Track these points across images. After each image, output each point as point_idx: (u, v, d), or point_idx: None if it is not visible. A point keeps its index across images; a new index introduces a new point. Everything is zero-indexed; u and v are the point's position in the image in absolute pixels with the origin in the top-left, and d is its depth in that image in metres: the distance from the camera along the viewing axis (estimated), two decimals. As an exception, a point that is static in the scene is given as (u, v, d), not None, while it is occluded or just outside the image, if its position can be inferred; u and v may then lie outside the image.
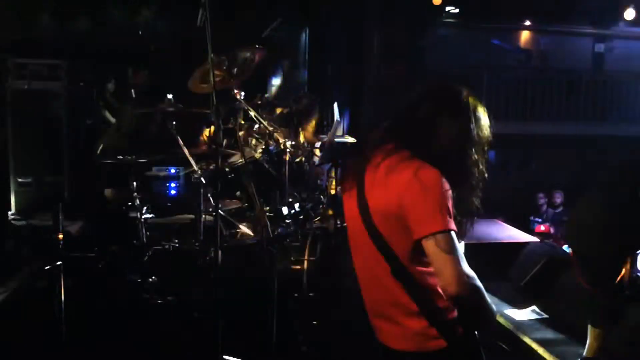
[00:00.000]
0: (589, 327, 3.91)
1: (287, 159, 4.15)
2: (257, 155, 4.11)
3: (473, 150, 2.03)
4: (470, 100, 2.06)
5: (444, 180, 1.91)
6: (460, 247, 1.93)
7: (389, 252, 2.00)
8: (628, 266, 3.79)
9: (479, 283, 1.91)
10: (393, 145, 2.04)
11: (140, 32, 7.12)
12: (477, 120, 2.05)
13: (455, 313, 2.00)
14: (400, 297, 2.02)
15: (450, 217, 1.88)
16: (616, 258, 3.73)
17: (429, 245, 1.90)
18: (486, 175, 2.09)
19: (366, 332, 4.42)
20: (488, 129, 2.09)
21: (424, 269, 1.97)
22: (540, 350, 4.23)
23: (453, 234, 1.87)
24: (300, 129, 5.19)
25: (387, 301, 2.07)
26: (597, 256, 3.78)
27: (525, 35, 11.86)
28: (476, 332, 2.04)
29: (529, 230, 8.87)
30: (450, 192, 1.91)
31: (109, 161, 5.16)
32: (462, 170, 2.01)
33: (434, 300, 1.99)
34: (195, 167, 4.12)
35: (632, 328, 4.08)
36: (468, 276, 1.87)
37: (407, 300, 2.01)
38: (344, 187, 2.24)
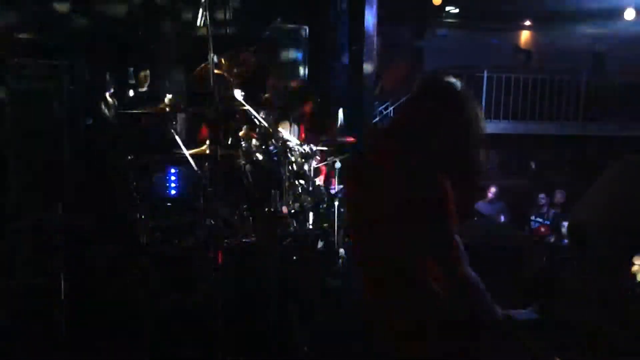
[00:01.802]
0: (592, 326, 3.91)
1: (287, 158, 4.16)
2: None
3: (474, 143, 2.01)
4: (467, 95, 2.04)
5: (447, 182, 1.90)
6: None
7: (392, 253, 1.99)
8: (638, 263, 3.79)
9: (481, 286, 1.91)
10: (396, 146, 2.03)
11: (140, 32, 7.11)
12: (475, 115, 2.03)
13: (460, 316, 1.99)
14: (404, 298, 2.02)
15: (454, 222, 1.88)
16: (626, 256, 3.74)
17: (432, 248, 1.90)
18: (484, 170, 2.09)
19: (367, 332, 4.41)
20: (484, 124, 2.07)
21: (426, 271, 1.97)
22: (541, 350, 4.22)
23: (457, 237, 1.87)
24: (298, 123, 5.19)
25: (391, 302, 2.07)
26: (606, 254, 3.78)
27: (525, 35, 11.86)
28: (482, 334, 2.03)
29: (530, 230, 8.87)
30: (452, 194, 1.90)
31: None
32: (463, 167, 2.00)
33: (437, 302, 1.98)
34: (195, 167, 4.12)
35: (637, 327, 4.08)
36: (470, 279, 1.87)
37: (410, 302, 2.01)
38: (347, 188, 2.24)
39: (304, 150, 4.58)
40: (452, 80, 2.05)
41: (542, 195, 9.30)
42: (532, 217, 9.09)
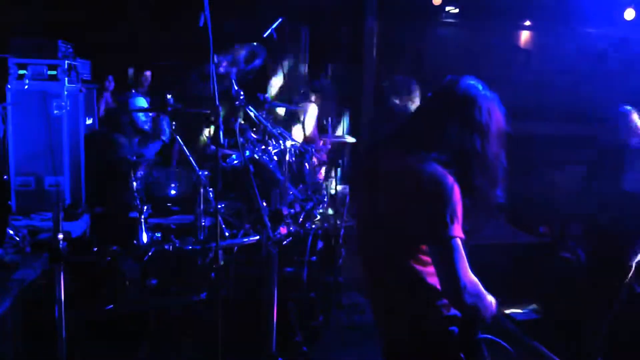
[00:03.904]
0: (589, 326, 3.92)
1: (287, 158, 4.16)
2: None
3: (492, 143, 2.00)
4: (486, 94, 2.03)
5: (455, 185, 1.89)
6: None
7: (395, 248, 2.00)
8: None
9: (478, 289, 1.91)
10: (406, 146, 2.03)
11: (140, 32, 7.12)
12: (490, 112, 2.02)
13: (453, 311, 2.01)
14: (403, 291, 2.03)
15: (458, 224, 1.87)
16: (627, 258, 3.76)
17: (433, 250, 1.90)
18: (506, 167, 2.07)
19: (367, 331, 4.42)
20: (502, 121, 2.06)
21: (424, 267, 1.98)
22: (541, 350, 4.23)
23: (458, 240, 1.86)
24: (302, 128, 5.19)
25: (391, 295, 2.08)
26: (610, 256, 3.80)
27: (525, 35, 11.84)
28: (478, 330, 2.04)
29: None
30: (460, 197, 1.89)
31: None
32: (483, 163, 1.99)
33: (434, 296, 1.99)
34: (196, 168, 4.13)
35: (631, 329, 4.09)
36: (468, 284, 1.86)
37: (409, 295, 2.02)
38: (354, 188, 2.25)
39: (303, 149, 4.58)
40: (472, 82, 2.04)
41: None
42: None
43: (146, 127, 5.43)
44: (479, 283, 1.91)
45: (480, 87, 2.04)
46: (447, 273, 1.86)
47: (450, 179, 1.89)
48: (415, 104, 4.31)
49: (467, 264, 1.87)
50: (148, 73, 6.51)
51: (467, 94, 2.00)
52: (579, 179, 4.84)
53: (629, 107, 4.29)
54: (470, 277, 1.88)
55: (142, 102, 5.41)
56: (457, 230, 1.86)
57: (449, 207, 1.86)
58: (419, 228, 1.91)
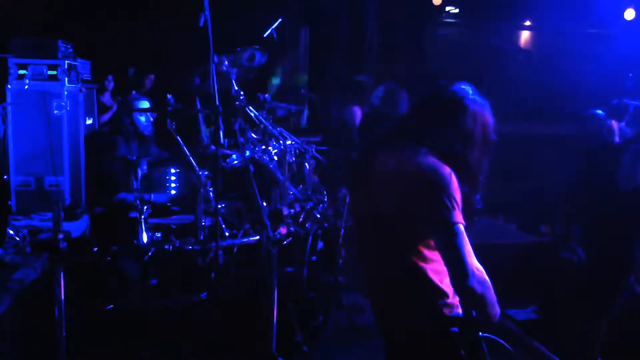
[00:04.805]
0: (589, 326, 3.92)
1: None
2: None
3: (474, 149, 2.03)
4: (475, 100, 2.06)
5: (452, 173, 1.92)
6: None
7: (396, 246, 2.01)
8: None
9: (484, 278, 1.91)
10: (403, 142, 2.05)
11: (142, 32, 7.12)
12: (476, 118, 2.04)
13: (456, 309, 2.01)
14: (405, 291, 2.03)
15: (459, 210, 1.88)
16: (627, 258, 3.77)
17: (438, 238, 1.91)
18: (486, 173, 2.09)
19: (367, 331, 4.43)
20: (491, 129, 2.08)
21: (426, 264, 1.99)
22: (541, 350, 4.23)
23: (461, 226, 1.88)
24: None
25: (392, 295, 2.08)
26: (610, 256, 3.81)
27: (525, 35, 11.85)
28: (479, 330, 2.04)
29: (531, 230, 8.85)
30: (458, 184, 1.92)
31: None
32: (464, 168, 2.01)
33: (436, 295, 2.00)
34: (196, 167, 4.12)
35: (631, 329, 4.09)
36: (475, 271, 1.87)
37: (411, 295, 2.02)
38: (352, 184, 2.26)
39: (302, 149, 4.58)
40: (463, 87, 2.06)
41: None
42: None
43: (147, 131, 5.42)
44: (484, 272, 1.91)
45: (470, 92, 2.05)
46: (453, 260, 1.86)
47: (447, 168, 1.92)
48: (400, 109, 4.39)
49: (472, 250, 1.88)
50: (152, 76, 6.52)
51: (455, 98, 2.04)
52: (578, 179, 4.85)
53: (599, 111, 4.40)
54: (476, 264, 1.89)
55: (145, 105, 5.39)
56: (459, 217, 1.88)
57: (449, 194, 1.88)
58: (421, 220, 1.91)
